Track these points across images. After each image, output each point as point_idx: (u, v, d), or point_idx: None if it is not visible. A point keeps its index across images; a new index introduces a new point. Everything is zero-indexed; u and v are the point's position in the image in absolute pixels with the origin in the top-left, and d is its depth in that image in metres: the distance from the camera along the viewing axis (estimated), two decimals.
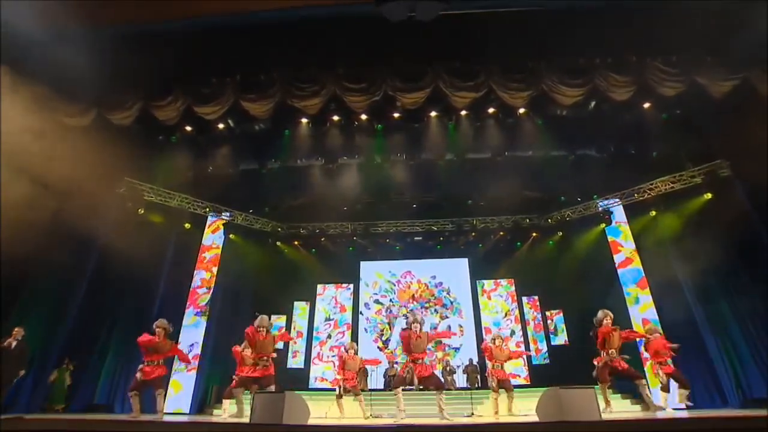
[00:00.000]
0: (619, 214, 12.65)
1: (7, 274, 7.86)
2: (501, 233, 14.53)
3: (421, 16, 6.51)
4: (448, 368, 12.56)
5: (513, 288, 14.68)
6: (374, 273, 15.46)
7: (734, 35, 7.60)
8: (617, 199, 12.59)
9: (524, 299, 14.43)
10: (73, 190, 8.39)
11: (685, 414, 7.10)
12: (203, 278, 12.56)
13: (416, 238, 15.07)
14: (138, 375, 6.91)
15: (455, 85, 8.67)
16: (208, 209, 13.08)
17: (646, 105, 9.87)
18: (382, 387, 12.40)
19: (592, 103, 9.91)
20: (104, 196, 10.11)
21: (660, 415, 6.66)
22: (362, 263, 15.47)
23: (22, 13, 6.43)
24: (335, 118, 10.48)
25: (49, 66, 7.14)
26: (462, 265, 15.29)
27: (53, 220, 8.30)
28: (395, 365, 12.63)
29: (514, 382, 9.41)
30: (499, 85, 8.69)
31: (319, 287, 15.19)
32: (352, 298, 15.02)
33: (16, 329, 7.78)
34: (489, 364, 8.04)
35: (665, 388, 7.55)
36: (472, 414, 9.09)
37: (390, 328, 14.53)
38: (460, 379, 12.64)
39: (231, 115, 10.03)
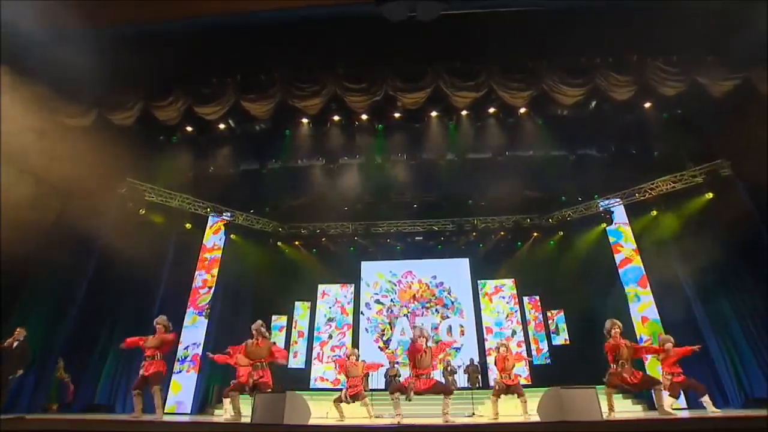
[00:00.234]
0: (620, 213, 12.64)
1: (8, 274, 7.87)
2: (502, 233, 14.52)
3: (421, 16, 6.51)
4: (449, 368, 12.54)
5: (515, 290, 14.65)
6: (375, 273, 15.45)
7: (735, 35, 7.60)
8: (618, 199, 12.57)
9: (525, 299, 14.43)
10: (74, 191, 8.42)
11: (686, 414, 7.09)
12: (204, 279, 12.57)
13: (417, 238, 15.06)
14: (140, 372, 6.91)
15: (456, 85, 8.67)
16: (208, 209, 13.09)
17: (647, 105, 9.86)
18: (383, 387, 12.39)
19: (593, 103, 9.91)
20: (105, 197, 10.13)
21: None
22: (363, 263, 15.47)
23: (22, 13, 6.44)
24: (336, 118, 10.47)
25: (50, 66, 7.14)
26: (463, 265, 15.28)
27: (54, 220, 8.32)
28: (396, 365, 12.64)
29: None
30: (500, 84, 8.68)
31: (320, 287, 15.19)
32: (353, 299, 15.03)
33: (18, 329, 7.77)
34: (498, 374, 7.94)
35: (674, 395, 7.35)
36: (473, 414, 9.09)
37: (391, 328, 14.53)
38: (461, 379, 12.63)
39: (231, 116, 10.04)
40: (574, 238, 13.66)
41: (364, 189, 12.43)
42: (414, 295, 15.08)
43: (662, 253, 11.17)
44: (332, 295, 15.14)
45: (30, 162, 7.51)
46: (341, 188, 12.23)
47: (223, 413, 7.95)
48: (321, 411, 8.59)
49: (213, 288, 12.39)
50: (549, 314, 13.82)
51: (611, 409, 6.55)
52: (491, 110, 10.35)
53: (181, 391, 11.04)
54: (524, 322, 14.12)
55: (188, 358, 11.43)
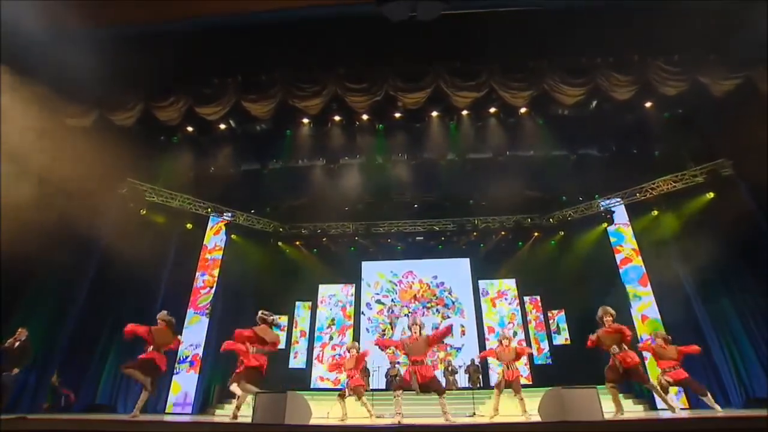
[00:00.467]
0: (620, 213, 12.62)
1: (9, 274, 7.87)
2: (502, 233, 14.51)
3: (421, 16, 6.50)
4: (450, 368, 12.55)
5: (516, 291, 14.62)
6: (376, 273, 15.45)
7: (735, 34, 7.59)
8: (619, 199, 12.56)
9: (526, 299, 14.42)
10: (75, 191, 8.40)
11: (687, 414, 7.06)
12: (205, 279, 12.57)
13: (418, 238, 15.05)
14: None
15: (456, 85, 8.66)
16: (209, 209, 13.09)
17: (648, 104, 9.85)
18: (383, 387, 12.39)
19: (594, 103, 9.90)
20: (106, 197, 10.14)
21: (663, 414, 6.62)
22: (364, 263, 15.45)
23: (22, 13, 6.44)
24: (336, 118, 10.48)
25: (50, 66, 7.15)
26: (463, 265, 15.27)
27: (55, 220, 8.30)
28: (397, 365, 12.63)
29: None
30: (501, 84, 8.68)
31: (321, 287, 15.19)
32: (354, 299, 15.02)
33: (19, 330, 7.78)
34: (499, 365, 7.91)
35: (665, 390, 7.33)
36: (474, 414, 9.08)
37: (392, 328, 14.51)
38: (462, 379, 12.63)
39: (232, 116, 10.03)
40: (574, 238, 13.64)
41: (365, 189, 12.43)
42: (415, 295, 15.07)
43: (663, 253, 11.15)
44: (333, 296, 15.13)
45: (30, 162, 7.51)
46: (342, 188, 12.23)
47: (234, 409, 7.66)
48: (322, 411, 8.59)
49: (214, 288, 12.40)
50: (550, 314, 13.81)
51: (618, 408, 6.43)
52: (492, 110, 10.35)
53: (181, 391, 11.04)
54: (525, 322, 14.11)
55: (188, 358, 11.44)
